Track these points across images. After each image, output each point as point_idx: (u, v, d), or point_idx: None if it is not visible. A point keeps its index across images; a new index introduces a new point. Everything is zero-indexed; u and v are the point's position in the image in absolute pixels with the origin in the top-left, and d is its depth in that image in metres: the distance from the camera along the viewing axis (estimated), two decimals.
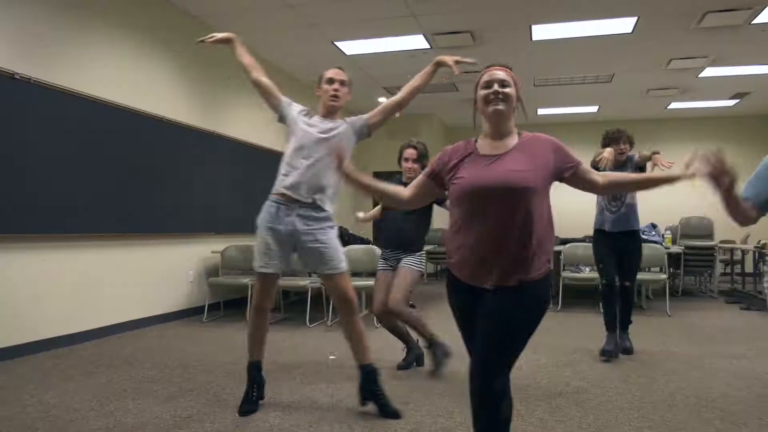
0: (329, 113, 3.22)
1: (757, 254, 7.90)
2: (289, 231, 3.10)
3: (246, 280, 6.05)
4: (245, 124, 7.37)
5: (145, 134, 5.57)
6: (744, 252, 8.79)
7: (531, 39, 6.94)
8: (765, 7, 5.92)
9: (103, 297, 5.11)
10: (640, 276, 6.75)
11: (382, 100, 10.03)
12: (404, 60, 7.70)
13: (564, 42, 7.05)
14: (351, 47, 7.27)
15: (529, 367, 4.04)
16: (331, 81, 3.19)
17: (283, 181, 3.13)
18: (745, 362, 4.20)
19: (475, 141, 2.07)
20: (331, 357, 4.30)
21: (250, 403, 3.08)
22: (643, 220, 8.38)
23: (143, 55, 5.67)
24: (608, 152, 4.36)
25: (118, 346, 4.74)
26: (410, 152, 3.93)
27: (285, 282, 5.65)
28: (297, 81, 8.81)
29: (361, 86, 9.22)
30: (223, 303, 6.61)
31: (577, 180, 2.03)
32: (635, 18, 6.30)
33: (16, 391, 3.44)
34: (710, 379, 3.74)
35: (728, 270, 9.48)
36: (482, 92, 2.01)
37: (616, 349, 4.37)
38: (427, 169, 2.15)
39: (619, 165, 4.53)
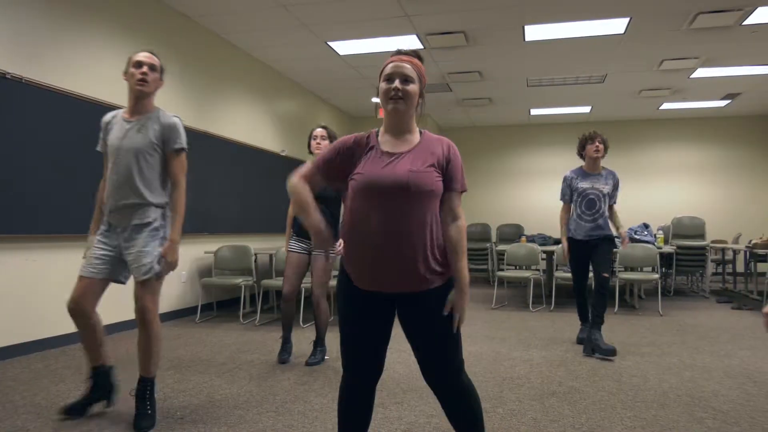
0: (137, 100, 2.92)
1: (748, 254, 7.95)
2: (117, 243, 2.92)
3: (239, 280, 6.03)
4: (239, 124, 7.35)
5: None
6: (735, 252, 8.85)
7: (524, 39, 6.95)
8: (756, 8, 5.96)
9: None
10: (632, 276, 6.82)
11: (376, 100, 10.05)
12: None
13: (557, 42, 7.07)
14: (344, 47, 7.27)
15: (522, 367, 4.05)
16: (139, 65, 2.89)
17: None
18: (737, 361, 4.23)
19: (377, 134, 1.95)
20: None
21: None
22: (636, 220, 8.48)
23: None
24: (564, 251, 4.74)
25: (111, 346, 4.71)
26: (319, 131, 4.22)
27: (269, 282, 5.66)
28: (290, 81, 8.80)
29: (355, 86, 9.25)
30: (216, 303, 6.59)
31: (443, 201, 1.90)
32: (627, 19, 6.33)
33: (7, 393, 3.42)
34: (702, 378, 3.76)
35: (719, 270, 9.54)
36: (383, 85, 1.88)
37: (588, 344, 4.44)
38: (323, 158, 1.97)
39: (595, 171, 4.63)
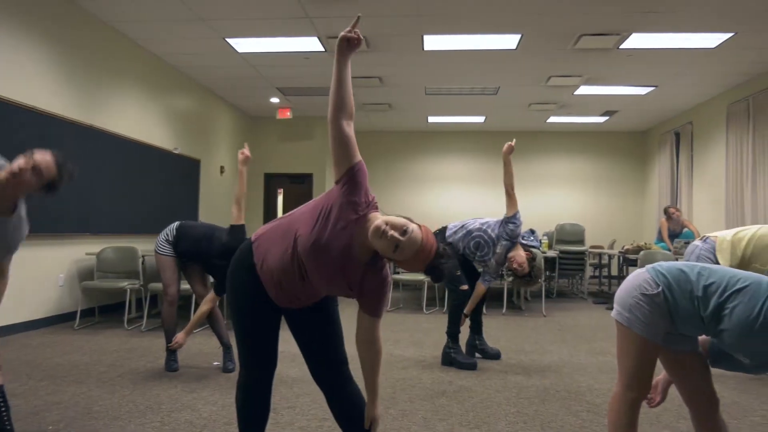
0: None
1: (621, 258, 8.62)
2: None
3: (124, 283, 5.71)
4: (129, 119, 6.96)
5: (12, 124, 5.09)
6: (610, 257, 9.57)
7: (423, 48, 7.14)
8: (631, 34, 6.50)
9: None
10: None
11: (275, 100, 9.91)
12: (298, 61, 7.64)
13: (454, 53, 7.32)
14: (243, 45, 7.10)
15: (415, 368, 4.14)
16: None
17: None
18: (609, 358, 4.57)
19: None
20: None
21: None
22: (524, 226, 8.89)
23: (14, 39, 5.17)
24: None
25: None
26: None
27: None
28: (186, 76, 8.47)
29: (254, 85, 9.06)
30: (98, 308, 6.19)
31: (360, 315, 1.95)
32: (519, 35, 6.68)
33: None
34: (579, 375, 4.03)
35: (597, 273, 10.28)
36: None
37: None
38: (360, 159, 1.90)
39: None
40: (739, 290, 1.72)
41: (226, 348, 4.08)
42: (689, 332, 1.88)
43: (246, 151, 3.80)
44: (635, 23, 6.21)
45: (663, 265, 1.92)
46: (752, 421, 3.04)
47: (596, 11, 5.93)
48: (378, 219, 1.77)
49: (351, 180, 1.81)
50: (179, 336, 3.91)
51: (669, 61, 7.44)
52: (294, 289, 1.88)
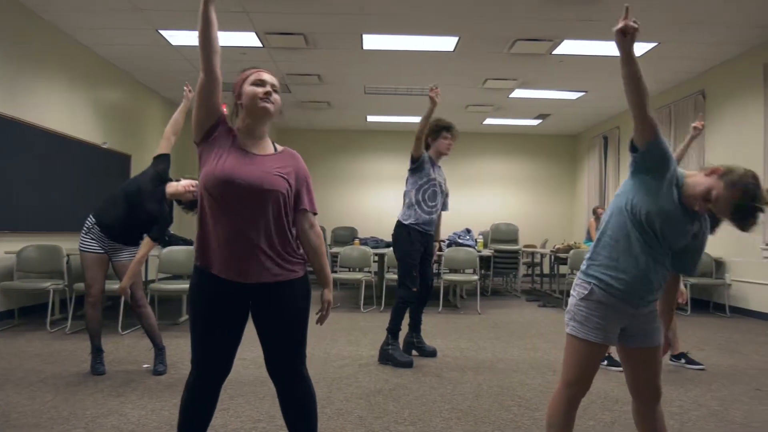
0: None
1: (552, 257, 8.91)
2: None
3: (47, 284, 5.44)
4: (54, 111, 6.60)
5: None
6: (542, 256, 9.89)
7: (362, 47, 7.14)
8: (563, 40, 6.73)
9: None
10: (455, 277, 7.30)
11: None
12: (235, 56, 7.47)
13: (393, 54, 7.36)
14: (178, 38, 6.88)
15: (351, 367, 4.14)
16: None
17: None
18: (541, 353, 4.72)
19: (236, 135, 2.02)
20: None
21: None
22: (459, 225, 9.08)
23: None
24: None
25: None
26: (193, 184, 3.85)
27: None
28: (116, 68, 8.13)
29: (189, 79, 8.76)
30: (18, 310, 5.85)
31: (297, 216, 2.07)
32: (456, 38, 6.79)
33: None
34: (511, 370, 4.13)
35: (530, 271, 10.59)
36: (254, 88, 1.99)
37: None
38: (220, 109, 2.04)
39: (438, 163, 4.56)
40: (606, 224, 2.00)
41: (159, 350, 3.95)
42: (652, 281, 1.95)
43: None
44: (567, 30, 6.43)
45: (583, 264, 2.05)
46: (670, 411, 3.20)
47: (530, 17, 6.10)
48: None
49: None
50: (122, 284, 3.72)
51: (598, 67, 7.74)
52: (238, 232, 1.90)
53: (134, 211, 3.73)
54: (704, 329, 5.97)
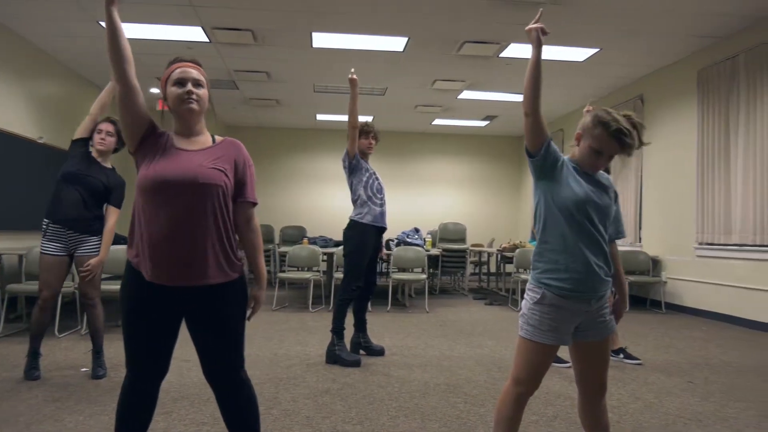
0: None
1: (499, 256, 9.09)
2: None
3: None
4: None
5: None
6: (489, 254, 10.07)
7: (312, 45, 7.09)
8: (510, 43, 6.87)
9: None
10: (404, 276, 7.34)
11: (155, 90, 9.38)
12: (180, 51, 7.20)
13: (342, 52, 7.34)
14: None
15: (299, 367, 4.11)
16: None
17: None
18: (487, 350, 4.81)
19: (168, 135, 1.99)
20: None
21: None
22: (408, 224, 9.14)
23: None
24: None
25: None
26: (106, 125, 3.79)
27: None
28: (55, 60, 7.79)
29: None
30: None
31: (237, 208, 2.00)
32: (406, 38, 6.83)
33: None
34: (458, 368, 4.19)
35: (477, 270, 10.77)
36: (175, 90, 1.93)
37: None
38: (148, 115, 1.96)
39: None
40: (541, 233, 2.07)
41: (97, 352, 3.81)
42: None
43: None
44: (514, 34, 6.57)
45: (531, 270, 2.11)
46: (610, 405, 3.30)
47: (478, 20, 6.20)
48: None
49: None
50: (100, 256, 3.70)
51: (543, 71, 7.92)
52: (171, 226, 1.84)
53: (82, 191, 3.66)
54: (641, 325, 6.21)
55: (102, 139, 3.76)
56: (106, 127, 3.78)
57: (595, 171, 2.07)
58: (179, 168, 1.86)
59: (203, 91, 1.96)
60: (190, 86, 1.92)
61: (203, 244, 1.87)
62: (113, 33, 1.82)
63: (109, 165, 3.84)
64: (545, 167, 2.01)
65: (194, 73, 1.95)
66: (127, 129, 1.93)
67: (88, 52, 7.54)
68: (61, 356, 4.31)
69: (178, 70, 1.95)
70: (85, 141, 3.81)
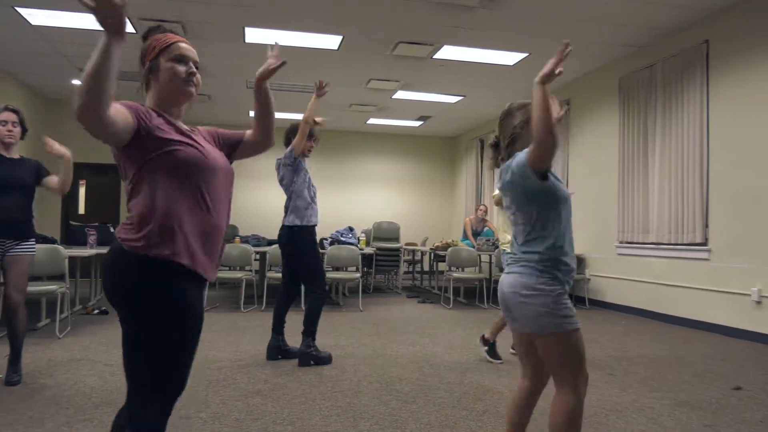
0: None
1: (432, 255, 9.22)
2: None
3: None
4: None
5: None
6: (423, 253, 10.20)
7: (244, 40, 6.96)
8: (443, 45, 6.98)
9: None
10: (338, 275, 7.32)
11: (78, 82, 8.94)
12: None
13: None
14: (38, 17, 6.29)
15: (229, 369, 4.02)
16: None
17: None
18: (419, 348, 4.86)
19: (159, 112, 1.73)
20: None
21: None
22: (342, 223, 9.13)
23: None
24: None
25: None
26: (8, 115, 3.52)
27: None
28: None
29: (51, 63, 8.11)
30: None
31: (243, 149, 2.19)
32: (340, 37, 6.81)
33: None
34: (390, 365, 4.22)
35: (410, 269, 10.88)
36: (176, 67, 1.71)
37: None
38: (131, 116, 1.57)
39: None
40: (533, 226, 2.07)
41: (16, 356, 3.59)
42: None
43: (51, 145, 3.33)
44: (447, 36, 6.68)
45: (532, 268, 2.06)
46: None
47: (412, 21, 6.26)
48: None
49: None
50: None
51: (475, 73, 8.12)
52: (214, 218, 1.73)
53: (9, 191, 3.50)
54: None
55: (9, 131, 3.50)
56: (9, 117, 3.51)
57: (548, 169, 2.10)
58: (216, 155, 1.82)
59: (199, 77, 1.82)
60: (193, 67, 1.76)
61: (222, 235, 1.81)
62: (111, 72, 1.45)
63: (17, 156, 3.60)
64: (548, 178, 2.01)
65: (194, 52, 1.79)
66: (114, 138, 1.56)
67: (3, 42, 7.09)
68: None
69: (180, 45, 1.74)
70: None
